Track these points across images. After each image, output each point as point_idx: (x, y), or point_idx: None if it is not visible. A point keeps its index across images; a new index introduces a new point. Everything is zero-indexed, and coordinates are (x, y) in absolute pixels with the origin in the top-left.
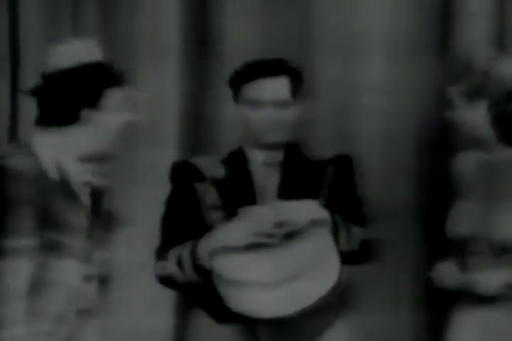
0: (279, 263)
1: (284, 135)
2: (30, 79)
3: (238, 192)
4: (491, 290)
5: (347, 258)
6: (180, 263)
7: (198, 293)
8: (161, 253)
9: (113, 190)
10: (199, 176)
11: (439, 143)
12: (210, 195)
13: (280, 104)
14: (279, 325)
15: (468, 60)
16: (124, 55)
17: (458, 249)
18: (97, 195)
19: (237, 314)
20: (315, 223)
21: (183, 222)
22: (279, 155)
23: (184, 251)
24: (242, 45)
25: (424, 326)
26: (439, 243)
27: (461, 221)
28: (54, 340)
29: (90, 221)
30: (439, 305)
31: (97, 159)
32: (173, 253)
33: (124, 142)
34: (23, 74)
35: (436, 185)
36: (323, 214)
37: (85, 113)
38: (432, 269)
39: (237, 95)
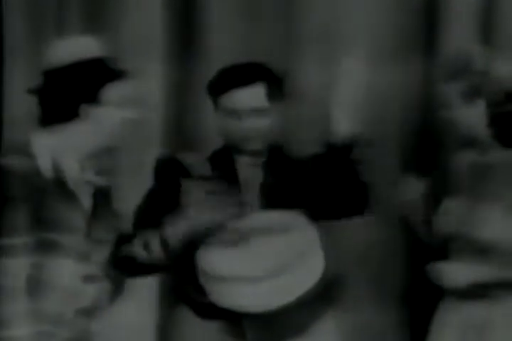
0: (264, 258)
1: (262, 143)
2: (15, 79)
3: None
4: (454, 284)
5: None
6: (147, 246)
7: (182, 290)
8: (125, 238)
9: (116, 189)
10: (185, 172)
11: (423, 144)
12: (197, 191)
13: (257, 112)
14: (264, 319)
15: (465, 59)
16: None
17: (442, 247)
18: (100, 194)
19: (219, 310)
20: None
21: (159, 214)
22: (262, 156)
23: (152, 233)
24: (226, 46)
25: (409, 323)
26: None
27: (446, 219)
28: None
29: (90, 220)
30: (424, 303)
31: (98, 157)
32: (139, 238)
33: (124, 138)
34: (8, 74)
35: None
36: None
37: (84, 108)
38: (430, 268)
39: (215, 104)
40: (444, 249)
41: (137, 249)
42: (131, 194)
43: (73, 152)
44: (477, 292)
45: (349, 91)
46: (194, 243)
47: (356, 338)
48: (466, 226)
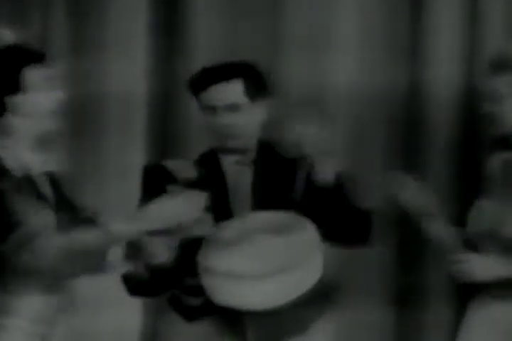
0: (266, 256)
1: (244, 139)
2: None
3: (211, 192)
4: (481, 277)
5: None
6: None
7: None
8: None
9: (72, 179)
10: (170, 178)
11: (412, 143)
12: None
13: (232, 107)
14: (265, 317)
15: (507, 55)
16: (91, 53)
17: (473, 246)
18: (57, 184)
19: (206, 312)
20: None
21: None
22: (251, 154)
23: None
24: (211, 42)
25: (406, 323)
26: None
27: (478, 218)
28: (31, 339)
29: (55, 212)
30: (422, 302)
31: (43, 144)
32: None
33: (60, 119)
34: None
35: None
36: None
37: (9, 99)
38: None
39: (198, 102)
40: (473, 247)
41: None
42: (118, 194)
43: (25, 144)
44: (506, 289)
45: (336, 91)
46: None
47: (358, 337)
48: (498, 224)
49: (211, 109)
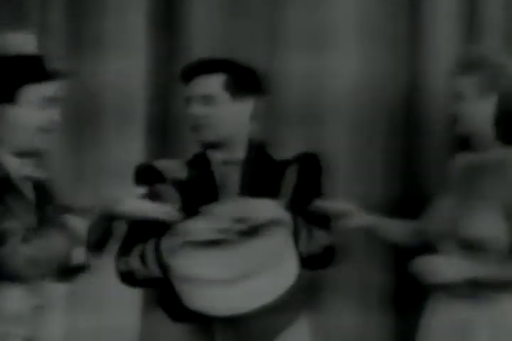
0: (235, 261)
1: (217, 133)
2: None
3: (199, 193)
4: (441, 280)
5: (308, 262)
6: (143, 259)
7: (159, 290)
8: (123, 250)
9: (56, 184)
10: (160, 178)
11: (409, 139)
12: (170, 197)
13: (207, 99)
14: (234, 323)
15: (482, 53)
16: (89, 52)
17: (430, 246)
18: (40, 188)
19: (192, 312)
20: (274, 222)
21: (146, 221)
22: (240, 154)
23: (148, 246)
24: (210, 39)
25: (392, 326)
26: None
27: (435, 218)
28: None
29: (37, 215)
30: (407, 305)
31: (29, 154)
32: (136, 250)
33: (50, 138)
34: None
35: (408, 182)
36: (283, 214)
37: (1, 108)
38: (416, 263)
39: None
40: (430, 248)
41: (134, 262)
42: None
43: (7, 149)
44: (465, 290)
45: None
46: None
47: None
48: (455, 224)
49: (188, 100)
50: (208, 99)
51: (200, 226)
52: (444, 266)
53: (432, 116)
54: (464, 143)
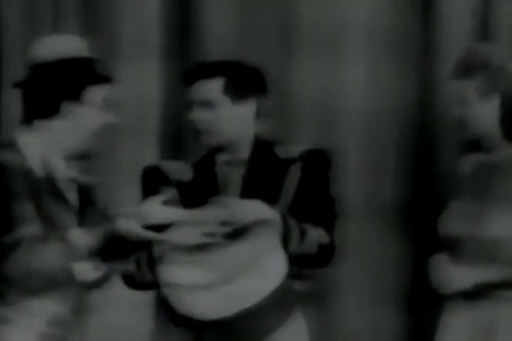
0: (218, 264)
1: (219, 137)
2: (12, 77)
3: (201, 194)
4: (457, 289)
5: (302, 261)
6: (138, 263)
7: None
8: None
9: (99, 188)
10: (165, 180)
11: (421, 141)
12: (172, 199)
13: (207, 104)
14: (222, 326)
15: (482, 54)
16: (104, 54)
17: (448, 248)
18: (84, 192)
19: (185, 316)
20: (261, 224)
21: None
22: (244, 154)
23: (142, 251)
24: (225, 44)
25: (404, 325)
26: (426, 241)
27: (452, 220)
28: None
29: (78, 218)
30: (420, 304)
31: (79, 156)
32: (134, 254)
33: (102, 142)
34: (5, 73)
35: (419, 184)
36: (272, 215)
37: (66, 105)
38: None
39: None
40: (447, 250)
41: (131, 266)
42: (130, 195)
43: (59, 150)
44: (483, 292)
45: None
46: None
47: None
48: (472, 226)
49: (190, 105)
50: (207, 104)
51: (186, 231)
52: (458, 276)
53: (444, 116)
54: (473, 144)
